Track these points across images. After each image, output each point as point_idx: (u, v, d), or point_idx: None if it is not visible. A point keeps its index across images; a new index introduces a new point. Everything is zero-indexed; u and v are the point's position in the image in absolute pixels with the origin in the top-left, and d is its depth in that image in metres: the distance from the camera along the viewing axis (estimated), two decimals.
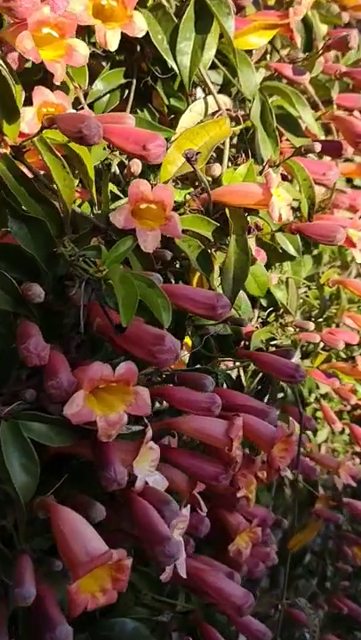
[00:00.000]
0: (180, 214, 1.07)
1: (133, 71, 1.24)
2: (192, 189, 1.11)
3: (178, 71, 1.18)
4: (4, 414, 0.81)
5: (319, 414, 1.91)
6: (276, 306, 1.50)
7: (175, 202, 1.09)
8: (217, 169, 1.15)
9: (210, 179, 1.14)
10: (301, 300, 1.68)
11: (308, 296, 1.72)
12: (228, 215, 1.06)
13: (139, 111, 1.28)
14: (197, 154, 1.01)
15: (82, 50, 0.87)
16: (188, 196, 1.09)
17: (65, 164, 0.98)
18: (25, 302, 0.92)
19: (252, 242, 1.12)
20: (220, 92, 1.37)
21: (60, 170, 1.00)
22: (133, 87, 1.24)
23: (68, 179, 1.01)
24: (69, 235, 1.03)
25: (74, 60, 0.87)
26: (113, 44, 1.04)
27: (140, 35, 1.06)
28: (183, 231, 1.04)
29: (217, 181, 1.17)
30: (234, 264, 1.06)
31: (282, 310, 1.53)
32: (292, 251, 1.21)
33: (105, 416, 0.79)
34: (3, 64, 0.96)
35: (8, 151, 1.03)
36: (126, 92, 1.26)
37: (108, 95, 1.24)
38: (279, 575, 1.77)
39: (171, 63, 1.18)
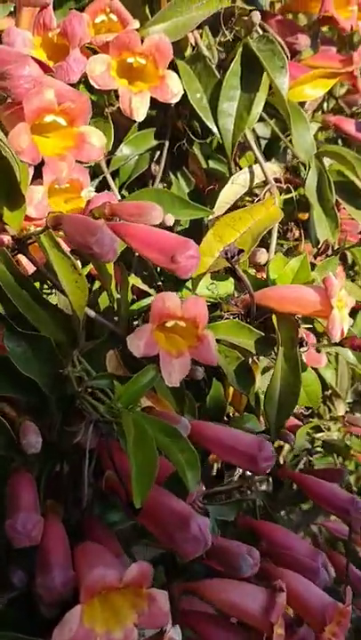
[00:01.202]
0: (215, 318, 0.88)
1: (166, 131, 1.04)
2: (230, 285, 0.91)
3: (219, 136, 0.98)
4: None
5: None
6: (325, 387, 1.30)
7: (208, 300, 0.89)
8: (262, 255, 0.94)
9: (253, 270, 0.94)
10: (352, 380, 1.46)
11: None
12: (276, 324, 0.86)
13: (171, 175, 1.08)
14: (240, 252, 0.81)
15: (96, 141, 0.67)
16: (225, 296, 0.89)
17: (75, 264, 0.79)
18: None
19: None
20: (267, 148, 1.17)
21: (68, 271, 0.81)
22: (166, 150, 1.04)
23: (80, 280, 0.82)
24: (81, 345, 0.84)
25: (85, 154, 0.68)
26: (140, 114, 0.85)
27: (174, 100, 0.86)
28: (218, 340, 0.85)
29: (262, 268, 0.98)
30: (281, 385, 0.86)
31: (330, 392, 1.33)
32: (351, 358, 1.00)
33: (108, 633, 0.60)
34: (4, 140, 0.78)
35: (7, 240, 0.85)
36: (157, 153, 1.07)
37: (137, 157, 1.04)
38: None
39: (211, 126, 0.98)
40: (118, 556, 0.69)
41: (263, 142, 1.19)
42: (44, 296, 0.86)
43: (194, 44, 0.99)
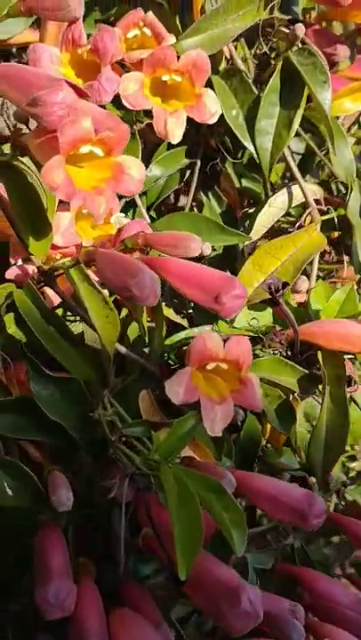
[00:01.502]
0: (254, 354, 0.81)
1: (198, 150, 0.98)
2: (269, 316, 0.85)
3: (256, 155, 0.92)
4: None
5: None
6: None
7: (247, 334, 0.83)
8: (303, 284, 0.89)
9: (293, 299, 0.88)
10: None
11: None
12: (321, 361, 0.79)
13: (202, 195, 1.02)
14: (284, 286, 0.75)
15: (136, 172, 0.61)
16: (266, 327, 0.83)
17: (106, 299, 0.73)
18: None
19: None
20: (300, 164, 1.10)
21: (99, 305, 0.75)
22: (198, 170, 0.98)
23: (112, 315, 0.76)
24: (111, 384, 0.78)
25: (124, 186, 0.62)
26: (176, 136, 0.79)
27: (212, 121, 0.80)
28: (260, 378, 0.78)
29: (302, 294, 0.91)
30: (327, 427, 0.79)
31: None
32: None
33: None
34: (32, 168, 0.72)
35: (32, 270, 0.80)
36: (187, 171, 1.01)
37: (166, 177, 0.98)
38: None
39: (248, 146, 0.92)
40: (158, 625, 0.63)
41: (296, 158, 1.12)
42: (68, 325, 0.80)
43: (229, 58, 0.93)
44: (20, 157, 0.69)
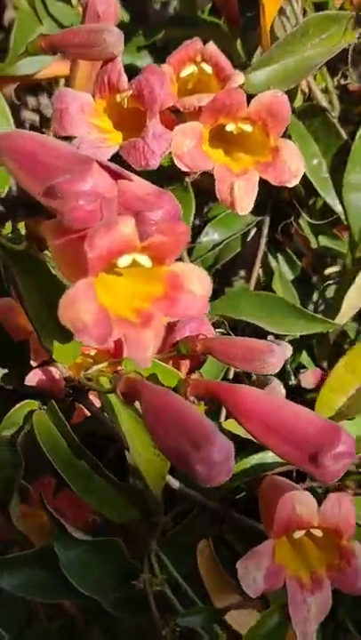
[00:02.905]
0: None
1: (267, 204, 0.78)
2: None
3: (344, 217, 0.72)
4: None
5: None
6: None
7: None
8: None
9: None
10: None
11: None
12: None
13: (270, 258, 0.83)
14: None
15: (198, 286, 0.41)
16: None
17: None
18: None
19: None
20: None
21: (145, 435, 0.57)
22: (266, 228, 0.79)
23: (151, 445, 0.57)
24: (156, 534, 0.59)
25: (182, 309, 0.41)
26: (245, 205, 0.59)
27: (294, 183, 0.60)
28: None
29: None
30: None
31: None
32: None
33: None
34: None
35: (57, 374, 0.62)
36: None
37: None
38: None
39: (332, 204, 0.72)
40: None
41: None
42: None
43: (307, 91, 0.73)
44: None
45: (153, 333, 0.40)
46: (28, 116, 1.00)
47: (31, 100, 1.01)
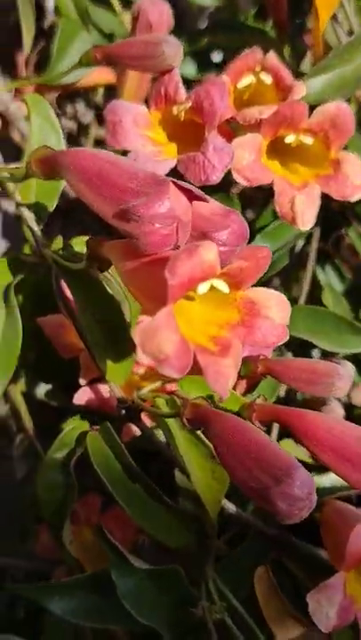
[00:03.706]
0: None
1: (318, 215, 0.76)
2: None
3: None
4: None
5: None
6: None
7: None
8: None
9: None
10: None
11: None
12: None
13: (319, 272, 0.80)
14: None
15: (277, 313, 0.39)
16: None
17: (214, 452, 0.53)
18: None
19: None
20: None
21: (203, 458, 0.55)
22: (317, 240, 0.76)
23: (219, 471, 0.55)
24: (210, 559, 0.57)
25: (260, 337, 0.39)
26: (307, 220, 0.57)
27: (356, 197, 0.58)
28: None
29: None
30: None
31: None
32: None
33: None
34: (112, 276, 0.53)
35: (110, 395, 0.60)
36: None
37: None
38: None
39: None
40: None
41: None
42: None
43: None
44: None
45: (232, 362, 0.38)
46: (66, 124, 0.99)
47: (68, 108, 1.00)
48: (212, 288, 0.39)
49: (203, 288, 0.38)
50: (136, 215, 0.37)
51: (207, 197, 0.40)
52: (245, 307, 0.40)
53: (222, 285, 0.38)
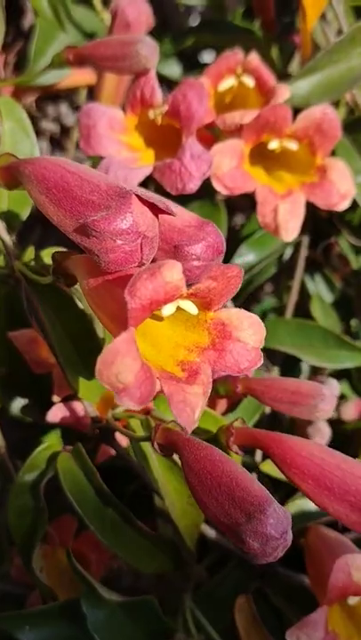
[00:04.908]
0: None
1: (305, 223, 0.73)
2: None
3: None
4: None
5: None
6: None
7: None
8: None
9: None
10: None
11: None
12: None
13: (307, 280, 0.77)
14: None
15: (252, 337, 0.36)
16: None
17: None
18: None
19: None
20: None
21: (180, 484, 0.52)
22: (305, 248, 0.73)
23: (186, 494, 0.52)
24: (189, 587, 0.54)
25: (231, 362, 0.36)
26: (290, 231, 0.54)
27: (343, 207, 0.55)
28: None
29: None
30: None
31: None
32: None
33: None
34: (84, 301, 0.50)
35: (84, 413, 0.57)
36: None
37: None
38: None
39: None
40: None
41: None
42: None
43: (351, 104, 0.68)
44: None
45: (200, 390, 0.35)
46: (48, 126, 0.96)
47: (50, 110, 0.97)
48: (180, 309, 0.36)
49: (168, 310, 0.34)
50: (96, 230, 0.34)
51: (175, 211, 0.37)
52: (216, 328, 0.37)
53: (190, 306, 0.35)
